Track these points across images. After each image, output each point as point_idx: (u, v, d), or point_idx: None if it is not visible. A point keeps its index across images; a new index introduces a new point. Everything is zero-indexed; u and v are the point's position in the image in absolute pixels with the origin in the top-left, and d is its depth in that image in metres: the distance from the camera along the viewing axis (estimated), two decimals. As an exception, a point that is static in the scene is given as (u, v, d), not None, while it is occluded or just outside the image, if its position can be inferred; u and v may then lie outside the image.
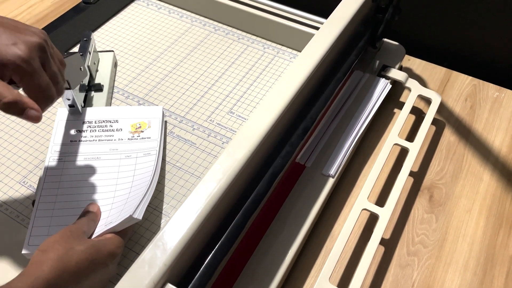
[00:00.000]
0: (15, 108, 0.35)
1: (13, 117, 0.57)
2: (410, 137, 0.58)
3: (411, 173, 0.56)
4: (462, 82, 0.66)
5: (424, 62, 0.69)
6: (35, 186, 0.50)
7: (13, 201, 0.49)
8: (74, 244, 0.38)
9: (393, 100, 0.63)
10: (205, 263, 0.35)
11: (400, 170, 0.51)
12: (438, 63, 0.69)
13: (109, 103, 0.58)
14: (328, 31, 0.49)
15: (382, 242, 0.50)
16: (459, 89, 0.65)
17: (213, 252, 0.35)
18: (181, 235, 0.32)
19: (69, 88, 0.49)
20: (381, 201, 0.52)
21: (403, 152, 0.57)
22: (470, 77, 0.66)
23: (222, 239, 0.36)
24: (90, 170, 0.48)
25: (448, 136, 0.59)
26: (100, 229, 0.42)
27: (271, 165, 0.41)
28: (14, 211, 0.48)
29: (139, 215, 0.41)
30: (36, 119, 0.37)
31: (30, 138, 0.54)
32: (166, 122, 0.56)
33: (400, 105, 0.62)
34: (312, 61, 0.45)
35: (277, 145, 0.43)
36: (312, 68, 0.45)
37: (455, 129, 0.60)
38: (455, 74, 0.67)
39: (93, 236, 0.42)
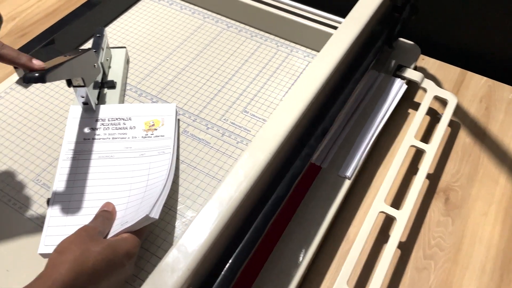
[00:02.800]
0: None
1: (25, 114, 0.56)
2: (425, 138, 0.58)
3: (427, 175, 0.55)
4: (477, 82, 0.65)
5: (438, 61, 0.68)
6: (49, 185, 0.50)
7: (27, 199, 0.48)
8: (90, 244, 0.37)
9: (407, 100, 0.62)
10: (226, 267, 0.34)
11: (417, 172, 0.50)
12: (452, 62, 0.68)
13: (122, 100, 0.57)
14: (347, 30, 0.48)
15: (398, 244, 0.49)
16: (474, 90, 0.64)
17: (234, 255, 0.35)
18: (204, 239, 0.32)
19: (84, 86, 0.49)
20: (397, 203, 0.52)
21: (418, 153, 0.57)
22: (485, 78, 0.66)
23: (242, 243, 0.36)
24: (104, 168, 0.48)
25: (464, 137, 0.59)
26: (115, 228, 0.42)
27: (290, 167, 0.41)
28: (28, 210, 0.47)
29: (155, 214, 0.40)
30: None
31: (43, 136, 0.54)
32: (179, 120, 0.56)
33: (415, 106, 0.61)
34: (331, 62, 0.44)
35: (296, 146, 0.42)
36: (331, 69, 0.44)
37: (470, 131, 0.60)
38: (470, 74, 0.66)
39: (109, 235, 0.41)
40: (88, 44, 0.65)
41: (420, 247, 0.49)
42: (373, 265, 0.47)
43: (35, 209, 0.48)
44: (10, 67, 0.65)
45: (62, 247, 0.37)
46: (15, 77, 0.60)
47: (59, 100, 0.58)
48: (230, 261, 0.35)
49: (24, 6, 0.77)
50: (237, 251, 0.35)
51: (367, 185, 0.54)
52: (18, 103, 0.57)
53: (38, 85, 0.60)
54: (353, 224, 0.51)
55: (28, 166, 0.51)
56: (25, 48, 0.58)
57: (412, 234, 0.50)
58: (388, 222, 0.50)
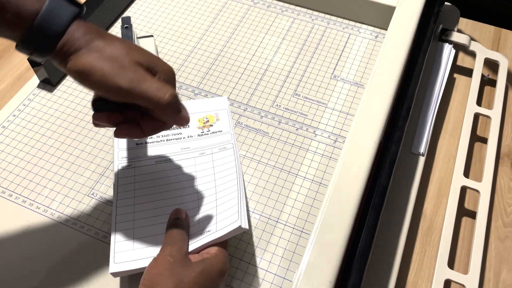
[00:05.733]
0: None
1: (58, 122, 0.51)
2: (479, 102, 0.56)
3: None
4: (514, 39, 0.64)
5: (471, 21, 0.66)
6: (107, 197, 0.45)
7: (87, 217, 0.44)
8: (182, 274, 0.34)
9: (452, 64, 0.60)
10: (354, 270, 0.32)
11: (485, 140, 0.49)
12: (483, 21, 0.66)
13: (163, 96, 0.53)
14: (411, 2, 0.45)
15: (475, 217, 0.48)
16: (512, 48, 0.63)
17: (357, 259, 0.33)
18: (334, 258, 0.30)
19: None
20: (474, 175, 0.50)
21: (475, 119, 0.55)
22: (521, 34, 0.64)
23: (361, 242, 0.33)
24: (165, 173, 0.44)
25: (514, 98, 0.58)
26: (198, 239, 0.38)
27: (386, 154, 0.38)
28: (92, 228, 0.43)
29: (245, 223, 0.37)
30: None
31: (85, 144, 0.49)
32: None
33: (458, 69, 0.60)
34: (406, 41, 0.41)
35: (387, 132, 0.40)
36: (407, 48, 0.41)
37: (519, 90, 0.59)
38: (505, 31, 0.65)
39: (191, 247, 0.38)
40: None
41: (498, 216, 0.48)
42: (462, 242, 0.46)
43: (99, 226, 0.44)
44: (20, 70, 0.59)
45: (152, 281, 0.33)
46: (35, 80, 0.54)
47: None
48: (355, 264, 0.32)
49: None
50: (357, 254, 0.33)
51: (431, 158, 0.52)
52: (47, 110, 0.52)
53: (64, 88, 0.54)
54: (427, 201, 0.49)
55: (78, 180, 0.47)
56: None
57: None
58: (463, 194, 0.49)
